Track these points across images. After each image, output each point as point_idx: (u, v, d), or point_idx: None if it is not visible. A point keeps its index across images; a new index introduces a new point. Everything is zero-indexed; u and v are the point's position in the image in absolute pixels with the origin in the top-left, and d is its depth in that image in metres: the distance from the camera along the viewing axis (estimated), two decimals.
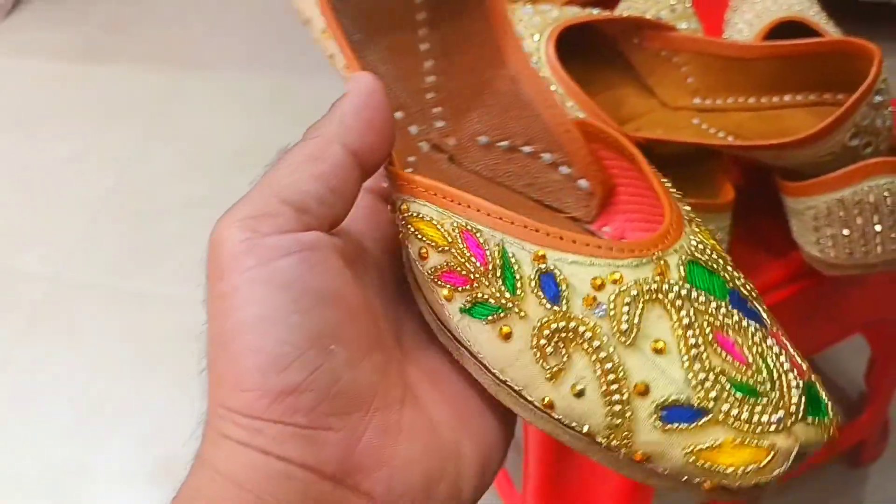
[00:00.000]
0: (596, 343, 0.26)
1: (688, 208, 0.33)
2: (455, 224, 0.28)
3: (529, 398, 0.27)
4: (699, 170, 0.61)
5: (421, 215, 0.29)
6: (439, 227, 0.28)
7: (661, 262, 0.27)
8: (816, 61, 0.57)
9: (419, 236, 0.29)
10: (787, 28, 0.67)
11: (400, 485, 0.25)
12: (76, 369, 1.12)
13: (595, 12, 0.63)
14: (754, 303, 0.29)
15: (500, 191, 0.36)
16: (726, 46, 0.60)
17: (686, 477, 0.26)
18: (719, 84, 0.60)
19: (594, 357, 0.26)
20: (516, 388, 0.27)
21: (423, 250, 0.29)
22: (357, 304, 0.27)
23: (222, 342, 0.24)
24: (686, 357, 0.26)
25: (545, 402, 0.27)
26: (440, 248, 0.28)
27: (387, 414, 0.26)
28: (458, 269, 0.28)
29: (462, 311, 0.28)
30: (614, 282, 0.27)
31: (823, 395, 0.28)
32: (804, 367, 0.28)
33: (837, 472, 0.96)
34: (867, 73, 0.53)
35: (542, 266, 0.27)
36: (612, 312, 0.26)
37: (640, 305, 0.26)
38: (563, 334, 0.26)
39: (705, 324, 0.27)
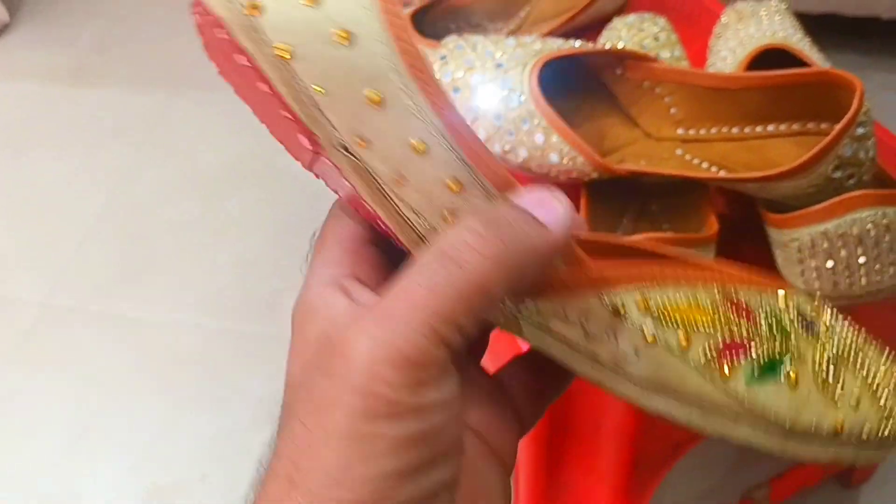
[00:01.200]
0: (851, 354, 0.29)
1: None
2: (713, 296, 0.29)
3: (822, 432, 0.29)
4: (684, 200, 0.61)
5: (671, 302, 0.28)
6: (696, 302, 0.29)
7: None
8: (800, 91, 0.57)
9: (678, 325, 0.28)
10: (772, 55, 0.67)
11: None
12: (67, 394, 1.12)
13: (577, 44, 0.63)
14: None
15: None
16: (709, 77, 0.60)
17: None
18: (703, 114, 0.60)
19: (856, 366, 0.29)
20: (809, 429, 0.29)
21: (685, 338, 0.28)
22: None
23: (332, 482, 0.24)
24: (870, 338, 0.31)
25: (836, 426, 0.29)
26: (709, 326, 0.28)
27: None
28: (738, 339, 0.28)
29: (750, 380, 0.28)
30: (812, 301, 0.30)
31: None
32: None
33: (830, 491, 0.96)
34: (850, 102, 0.53)
35: (792, 305, 0.30)
36: (840, 327, 0.30)
37: (832, 314, 0.31)
38: (834, 358, 0.29)
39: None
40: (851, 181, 0.54)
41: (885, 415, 0.29)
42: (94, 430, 1.08)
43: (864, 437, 0.29)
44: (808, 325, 0.29)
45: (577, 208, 0.60)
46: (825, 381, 0.29)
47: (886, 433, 0.29)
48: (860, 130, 0.52)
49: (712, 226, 0.57)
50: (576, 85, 0.62)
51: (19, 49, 1.67)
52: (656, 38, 0.69)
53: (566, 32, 0.75)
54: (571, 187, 0.60)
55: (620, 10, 0.79)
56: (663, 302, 0.28)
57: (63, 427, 1.09)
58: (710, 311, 0.28)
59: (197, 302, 1.19)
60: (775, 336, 0.28)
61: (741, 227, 0.61)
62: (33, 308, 1.22)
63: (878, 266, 0.53)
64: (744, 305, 0.29)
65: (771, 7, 0.73)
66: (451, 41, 0.64)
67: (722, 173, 0.58)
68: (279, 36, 0.26)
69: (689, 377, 0.28)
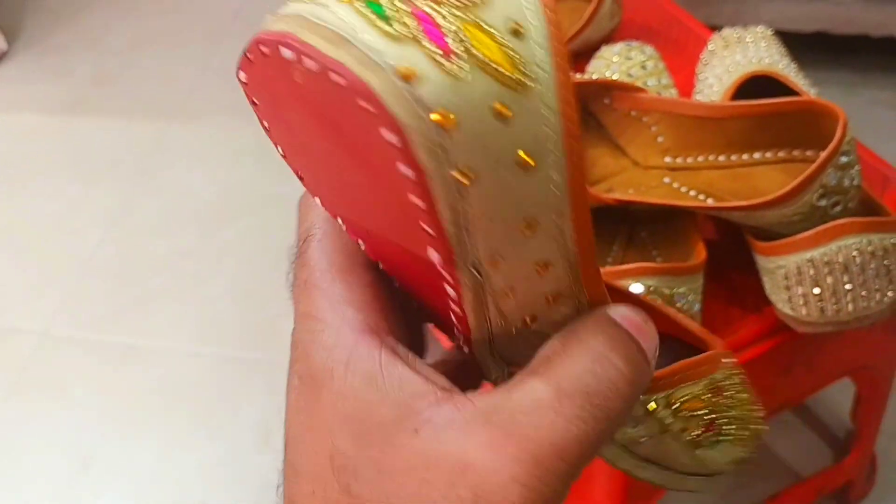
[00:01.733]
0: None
1: None
2: (706, 386, 0.32)
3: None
4: (672, 227, 0.62)
5: (688, 395, 0.31)
6: (699, 396, 0.31)
7: None
8: (784, 120, 0.58)
9: (688, 415, 0.31)
10: (758, 81, 0.68)
11: None
12: (65, 426, 1.12)
13: None
14: None
15: None
16: (695, 107, 0.61)
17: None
18: (689, 143, 0.61)
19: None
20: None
21: (689, 424, 0.31)
22: None
23: None
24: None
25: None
26: (704, 412, 0.32)
27: None
28: (717, 419, 0.32)
29: (711, 445, 0.32)
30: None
31: None
32: None
33: None
34: (834, 130, 0.54)
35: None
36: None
37: None
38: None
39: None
40: (837, 209, 0.54)
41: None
42: (95, 460, 1.08)
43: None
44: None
45: None
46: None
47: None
48: (844, 159, 0.53)
49: (700, 253, 0.57)
50: None
51: (16, 80, 1.68)
52: (644, 67, 0.70)
53: None
54: None
55: (608, 39, 0.80)
56: (683, 395, 0.30)
57: (64, 457, 1.09)
58: (706, 399, 0.31)
59: (195, 330, 1.19)
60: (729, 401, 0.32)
61: (729, 254, 0.62)
62: (33, 338, 1.22)
63: (864, 292, 0.54)
64: (722, 388, 0.32)
65: (757, 33, 0.74)
66: None
67: (709, 201, 0.59)
68: (466, 158, 0.22)
69: (678, 453, 0.31)
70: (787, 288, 0.55)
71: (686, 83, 0.75)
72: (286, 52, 0.21)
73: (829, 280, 0.54)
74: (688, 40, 0.84)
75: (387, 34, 0.20)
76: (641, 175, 0.62)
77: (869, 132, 0.60)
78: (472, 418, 0.24)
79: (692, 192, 0.60)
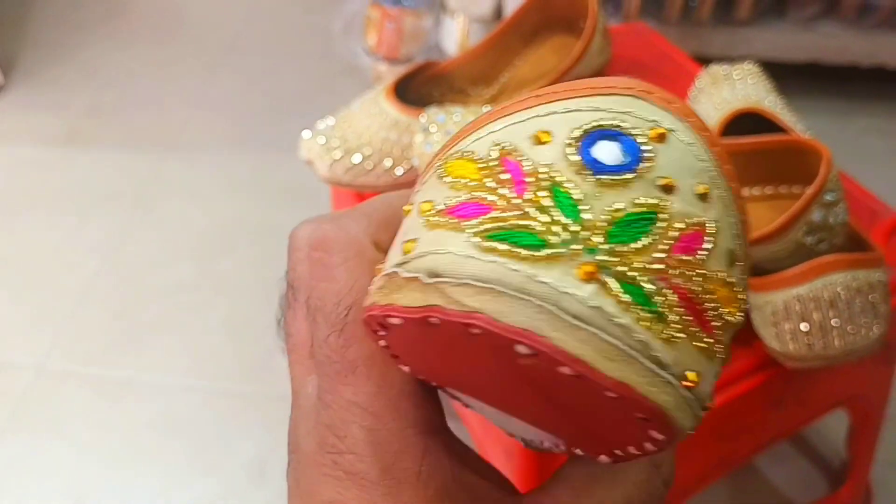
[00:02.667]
0: None
1: None
2: None
3: None
4: None
5: None
6: None
7: None
8: (771, 157, 0.59)
9: None
10: (745, 117, 0.69)
11: None
12: (60, 462, 1.11)
13: None
14: None
15: None
16: None
17: None
18: None
19: None
20: None
21: None
22: None
23: None
24: None
25: None
26: None
27: None
28: None
29: None
30: None
31: None
32: None
33: None
34: (818, 168, 0.54)
35: None
36: None
37: None
38: None
39: None
40: (822, 245, 0.55)
41: None
42: (90, 497, 1.08)
43: None
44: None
45: None
46: None
47: None
48: (829, 197, 0.54)
49: None
50: None
51: (12, 112, 1.69)
52: None
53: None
54: None
55: (598, 74, 0.81)
56: None
57: (58, 493, 1.08)
58: None
59: (190, 363, 1.20)
60: None
61: None
62: (28, 373, 1.22)
63: (850, 328, 0.54)
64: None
65: (744, 69, 0.75)
66: (433, 112, 0.66)
67: None
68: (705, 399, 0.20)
69: None
70: (775, 324, 0.56)
71: None
72: (521, 349, 0.18)
73: (816, 316, 0.54)
74: (678, 76, 0.85)
75: (666, 341, 0.18)
76: None
77: (860, 160, 0.61)
78: None
79: None
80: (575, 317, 0.17)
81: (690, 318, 0.18)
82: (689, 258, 0.18)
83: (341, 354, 0.23)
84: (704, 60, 0.85)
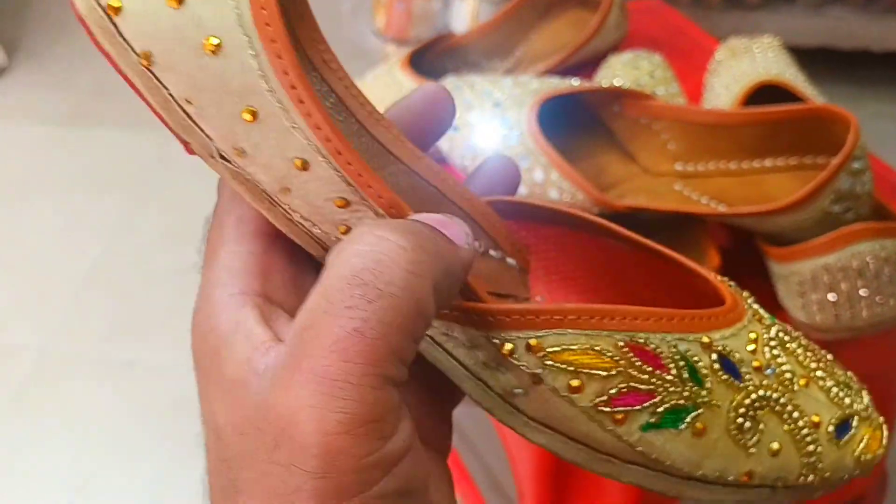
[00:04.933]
0: (783, 401, 0.28)
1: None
2: (616, 342, 0.27)
3: (729, 479, 0.28)
4: (684, 235, 0.62)
5: (564, 346, 0.26)
6: (596, 350, 0.27)
7: (756, 311, 0.31)
8: (796, 126, 0.58)
9: (569, 369, 0.26)
10: (766, 90, 0.68)
11: None
12: (63, 444, 1.11)
13: (574, 82, 0.64)
14: None
15: None
16: (705, 114, 0.61)
17: (864, 469, 0.30)
18: (700, 150, 0.61)
19: (784, 413, 0.28)
20: (712, 476, 0.28)
21: (577, 382, 0.26)
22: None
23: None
24: (819, 380, 0.30)
25: (745, 474, 0.28)
26: (607, 373, 0.27)
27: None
28: (640, 386, 0.27)
29: (646, 427, 0.27)
30: (755, 341, 0.29)
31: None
32: None
33: None
34: (845, 137, 0.53)
35: (715, 351, 0.28)
36: (777, 370, 0.29)
37: (779, 352, 0.29)
38: (756, 405, 0.28)
39: (807, 349, 0.31)
40: (849, 214, 0.54)
41: (807, 462, 0.29)
42: (94, 478, 1.07)
43: (779, 485, 0.29)
44: (733, 370, 0.28)
45: None
46: (739, 427, 0.28)
47: (802, 482, 0.29)
48: (856, 165, 0.53)
49: (713, 259, 0.57)
50: (574, 123, 0.63)
51: (17, 92, 1.68)
52: (652, 75, 0.70)
53: (562, 70, 0.76)
54: None
55: (615, 48, 0.80)
56: (556, 344, 0.27)
57: (62, 476, 1.08)
58: (609, 357, 0.26)
59: None
60: (685, 384, 0.27)
61: (742, 261, 0.61)
62: (32, 355, 1.21)
63: (878, 298, 0.54)
64: (651, 353, 0.27)
65: (764, 43, 0.74)
66: (450, 82, 0.65)
67: (721, 207, 0.59)
68: (140, 41, 0.24)
69: (576, 420, 0.27)
70: (802, 294, 0.55)
71: (693, 92, 0.75)
72: None
73: (844, 286, 0.53)
74: (693, 50, 0.84)
75: None
76: (652, 182, 0.62)
77: (873, 145, 0.60)
78: (281, 359, 0.22)
79: (703, 199, 0.60)
80: None
81: None
82: None
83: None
84: (717, 41, 0.84)
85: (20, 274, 1.34)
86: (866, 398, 0.31)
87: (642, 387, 0.27)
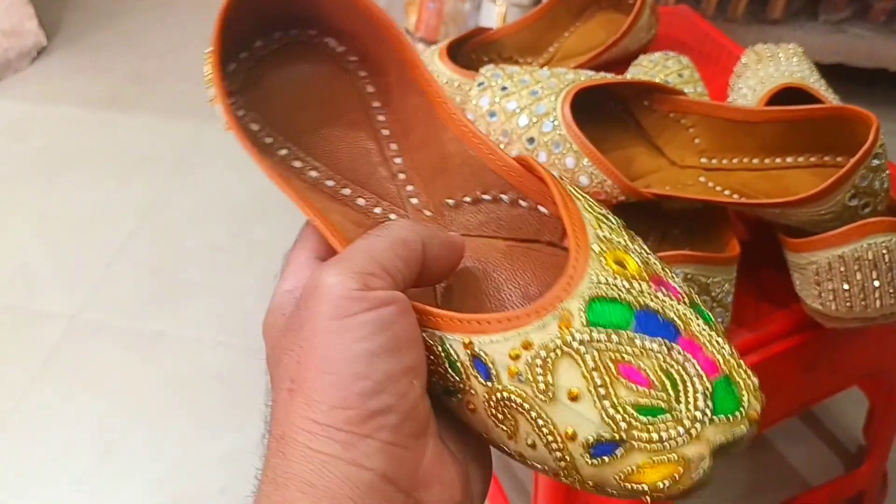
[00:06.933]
0: (526, 406, 0.30)
1: (611, 221, 0.35)
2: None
3: (507, 451, 0.32)
4: (705, 226, 0.65)
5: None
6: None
7: (565, 312, 0.30)
8: (818, 126, 0.61)
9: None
10: (789, 94, 0.70)
11: (448, 501, 0.29)
12: (90, 410, 1.14)
13: (608, 76, 0.67)
14: (667, 307, 0.31)
15: (479, 243, 0.40)
16: (732, 111, 0.63)
17: (630, 494, 0.29)
18: (725, 145, 0.64)
19: (529, 417, 0.30)
20: (499, 444, 0.32)
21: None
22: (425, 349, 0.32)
23: (325, 370, 0.29)
24: (596, 397, 0.29)
25: (517, 453, 0.31)
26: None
27: (437, 440, 0.31)
28: (435, 369, 0.32)
29: (446, 397, 0.33)
30: (526, 348, 0.30)
31: (741, 383, 0.30)
32: (720, 360, 0.30)
33: None
34: (866, 137, 0.56)
35: (471, 352, 0.31)
36: (528, 378, 0.30)
37: (551, 363, 0.30)
38: (504, 403, 0.30)
39: (609, 361, 0.29)
40: (867, 209, 0.57)
41: (563, 466, 0.30)
42: (119, 445, 1.10)
43: (547, 472, 0.31)
44: (483, 368, 0.31)
45: None
46: (496, 417, 0.31)
47: (569, 479, 0.30)
48: (875, 162, 0.55)
49: (734, 247, 0.60)
50: (605, 114, 0.66)
51: (55, 73, 1.72)
52: (680, 75, 0.73)
53: (593, 68, 0.79)
54: None
55: (645, 49, 0.83)
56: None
57: (89, 442, 1.11)
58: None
59: (222, 322, 1.22)
60: (447, 372, 0.32)
61: (760, 253, 0.64)
62: (63, 322, 1.24)
63: (891, 290, 0.56)
64: (432, 348, 0.32)
65: (789, 50, 0.77)
66: (489, 70, 0.68)
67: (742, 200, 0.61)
68: None
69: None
70: (818, 283, 0.58)
71: (719, 93, 0.78)
72: None
73: (859, 276, 0.56)
74: (720, 55, 0.87)
75: None
76: (678, 174, 0.65)
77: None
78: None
79: (727, 192, 0.63)
80: None
81: None
82: None
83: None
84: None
85: (56, 245, 1.37)
86: (680, 429, 0.29)
87: (436, 369, 0.32)
